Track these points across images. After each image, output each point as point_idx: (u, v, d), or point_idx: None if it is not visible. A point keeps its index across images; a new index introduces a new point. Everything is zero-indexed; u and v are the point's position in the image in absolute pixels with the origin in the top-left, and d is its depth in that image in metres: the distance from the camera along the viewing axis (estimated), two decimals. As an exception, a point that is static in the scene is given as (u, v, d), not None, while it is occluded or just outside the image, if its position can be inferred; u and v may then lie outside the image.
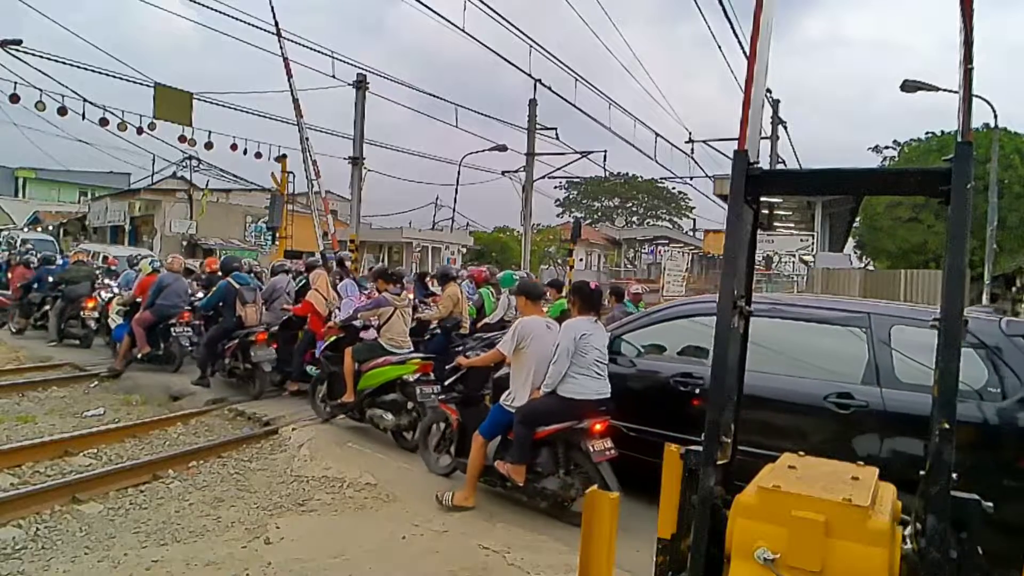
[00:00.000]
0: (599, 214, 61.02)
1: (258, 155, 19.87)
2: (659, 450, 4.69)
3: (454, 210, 33.01)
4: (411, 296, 7.78)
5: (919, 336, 4.22)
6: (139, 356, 9.01)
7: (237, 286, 8.38)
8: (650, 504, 2.76)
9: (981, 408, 3.99)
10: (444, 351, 7.46)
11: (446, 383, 5.68)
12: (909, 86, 16.63)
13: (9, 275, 12.86)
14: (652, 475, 5.05)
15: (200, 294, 9.92)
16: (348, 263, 10.88)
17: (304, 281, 9.29)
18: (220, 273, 9.14)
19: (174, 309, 9.02)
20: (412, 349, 6.78)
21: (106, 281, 11.74)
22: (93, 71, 15.17)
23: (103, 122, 16.37)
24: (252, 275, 9.37)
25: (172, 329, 9.05)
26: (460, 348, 7.45)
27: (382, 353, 6.52)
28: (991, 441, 3.94)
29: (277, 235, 20.97)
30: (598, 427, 4.63)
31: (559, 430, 4.70)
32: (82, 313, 10.96)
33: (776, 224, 25.31)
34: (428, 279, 10.78)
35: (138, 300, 9.39)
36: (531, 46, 17.02)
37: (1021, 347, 4.11)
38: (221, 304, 8.49)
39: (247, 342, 8.07)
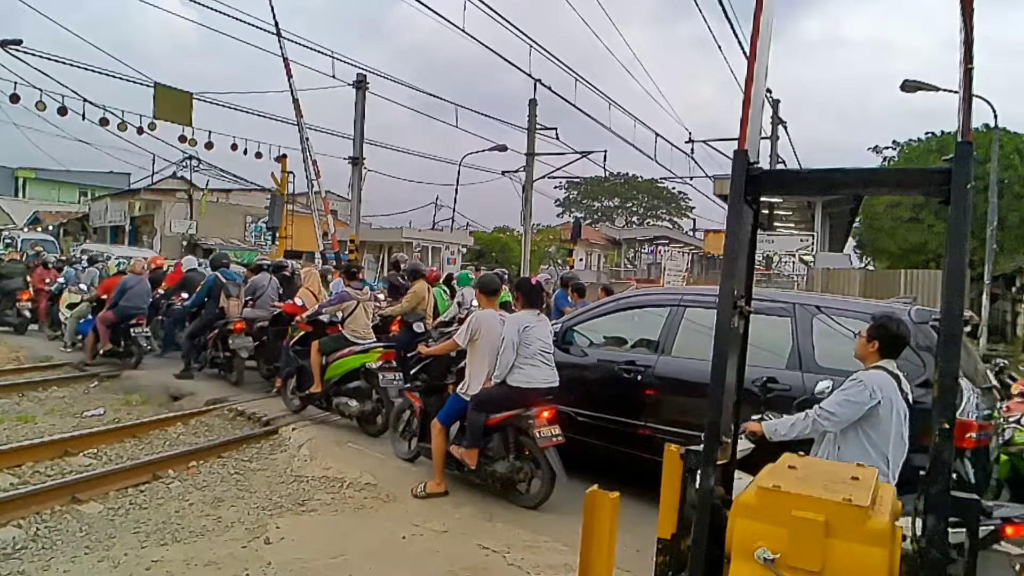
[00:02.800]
0: (599, 214, 61.01)
1: (258, 155, 19.86)
2: (606, 435, 4.63)
3: (454, 210, 33.03)
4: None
5: (838, 325, 4.59)
6: (101, 352, 9.43)
7: (224, 280, 8.90)
8: (650, 504, 2.76)
9: None
10: (408, 345, 7.52)
11: (411, 372, 5.93)
12: (909, 86, 16.61)
13: (28, 277, 13.02)
14: (600, 458, 5.33)
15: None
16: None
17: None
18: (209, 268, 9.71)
19: (136, 310, 9.40)
20: (375, 340, 7.07)
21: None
22: (93, 71, 15.18)
23: (103, 122, 16.36)
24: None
25: (132, 329, 9.39)
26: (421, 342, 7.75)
27: (346, 344, 6.86)
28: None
29: (277, 235, 20.97)
30: (545, 414, 4.94)
31: (508, 417, 5.00)
32: (17, 304, 12.53)
33: (776, 224, 25.31)
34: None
35: (103, 298, 9.78)
36: (531, 46, 17.00)
37: (926, 333, 4.35)
38: (207, 298, 8.94)
39: (226, 331, 8.49)
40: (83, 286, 11.24)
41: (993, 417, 4.56)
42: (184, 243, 29.15)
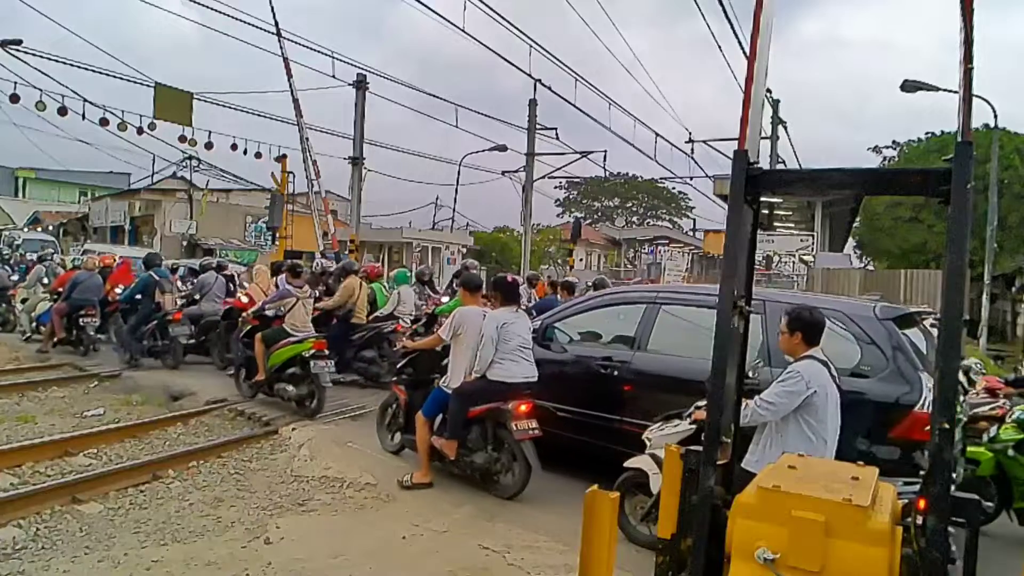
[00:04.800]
0: (599, 214, 61.00)
1: (258, 155, 19.85)
2: (584, 429, 5.01)
3: (454, 210, 32.98)
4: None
5: None
6: (55, 341, 10.38)
7: (157, 278, 9.92)
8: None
9: (855, 384, 4.24)
10: (342, 338, 8.69)
11: (398, 367, 6.17)
12: (909, 86, 16.60)
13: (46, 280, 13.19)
14: (575, 451, 5.46)
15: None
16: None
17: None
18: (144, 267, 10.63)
19: (86, 302, 10.25)
20: (311, 332, 7.67)
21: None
22: (93, 71, 15.14)
23: (103, 122, 16.33)
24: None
25: (81, 320, 10.24)
26: (356, 336, 8.97)
27: (286, 336, 7.52)
28: (863, 413, 4.20)
29: (277, 235, 20.94)
30: (523, 408, 5.11)
31: (487, 410, 5.18)
32: None
33: (776, 224, 25.28)
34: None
35: (59, 291, 10.66)
36: (531, 46, 16.93)
37: (890, 329, 4.48)
38: (140, 295, 9.88)
39: (165, 322, 9.57)
40: (44, 280, 12.03)
41: (957, 411, 4.59)
42: (184, 243, 29.15)
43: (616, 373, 5.37)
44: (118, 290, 10.56)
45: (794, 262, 23.81)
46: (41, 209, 38.54)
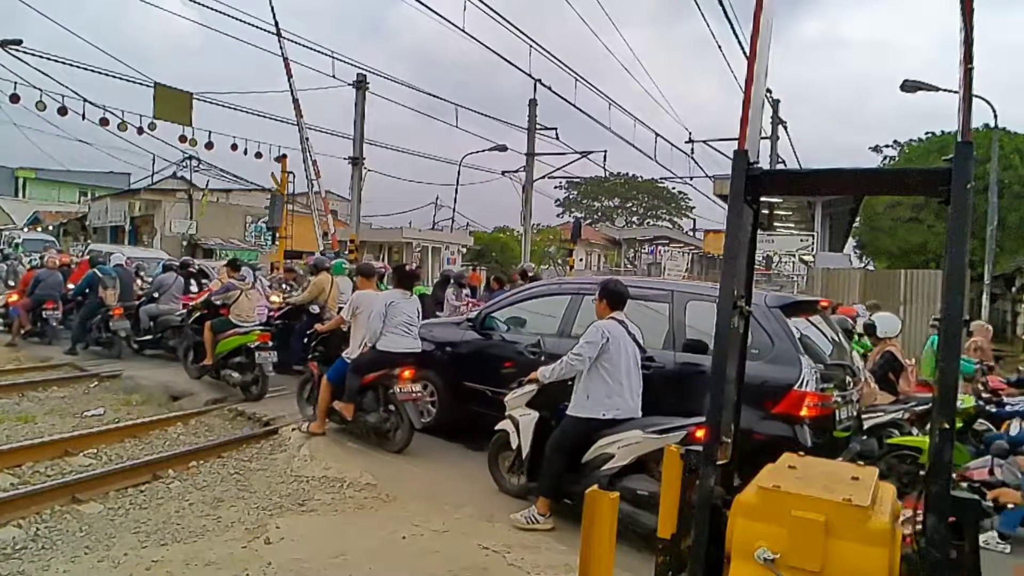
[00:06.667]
0: (599, 214, 60.98)
1: (258, 155, 19.83)
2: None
3: (454, 210, 32.96)
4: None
5: (707, 310, 5.23)
6: (23, 332, 11.38)
7: (101, 275, 10.75)
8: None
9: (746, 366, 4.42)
10: (308, 326, 8.89)
11: (312, 346, 7.01)
12: (909, 86, 16.58)
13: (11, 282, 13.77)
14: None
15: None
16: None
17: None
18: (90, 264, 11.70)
19: (48, 296, 11.33)
20: (256, 323, 8.46)
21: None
22: (93, 71, 15.13)
23: (103, 122, 16.32)
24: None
25: (43, 313, 11.28)
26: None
27: (232, 326, 8.21)
28: (751, 392, 4.37)
29: (277, 235, 20.93)
30: (406, 374, 6.08)
31: (378, 376, 6.13)
32: None
33: (776, 224, 25.30)
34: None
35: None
36: (531, 46, 16.95)
37: (777, 316, 5.02)
38: (88, 290, 10.80)
39: (107, 316, 10.33)
40: (10, 283, 13.22)
41: (843, 391, 5.14)
42: (184, 243, 29.13)
43: (543, 358, 5.65)
44: (70, 286, 11.79)
45: (794, 262, 23.78)
46: (41, 209, 38.55)
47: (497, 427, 5.24)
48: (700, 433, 4.05)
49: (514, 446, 5.06)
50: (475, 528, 4.57)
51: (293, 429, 6.49)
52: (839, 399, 4.99)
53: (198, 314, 8.90)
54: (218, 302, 8.66)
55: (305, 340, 7.30)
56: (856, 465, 2.22)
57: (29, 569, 3.77)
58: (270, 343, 7.99)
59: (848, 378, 5.48)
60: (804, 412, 4.70)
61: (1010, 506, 3.88)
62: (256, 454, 6.10)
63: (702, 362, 5.00)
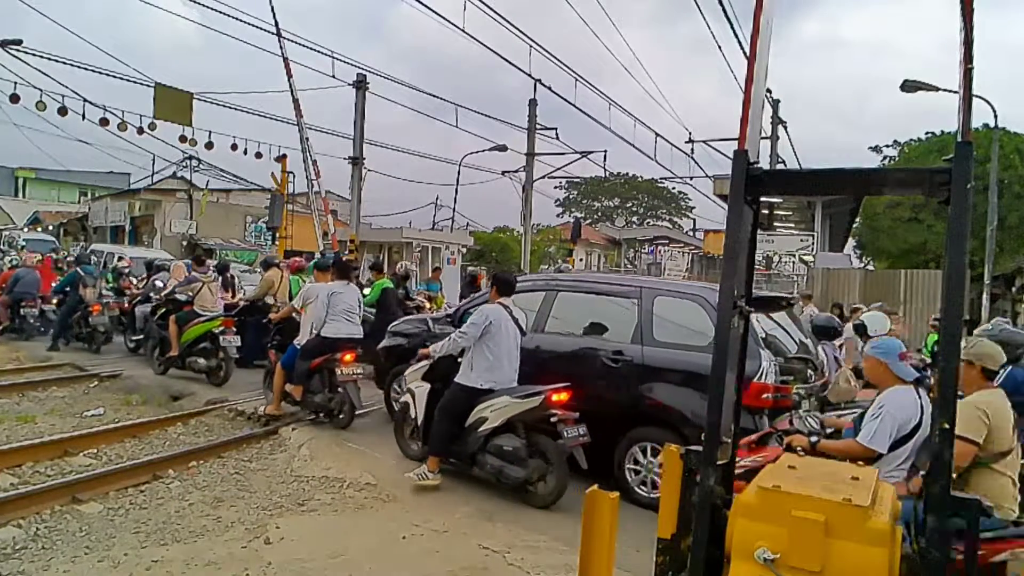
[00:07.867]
0: (599, 214, 60.91)
1: (258, 155, 19.81)
2: None
3: (454, 210, 32.94)
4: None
5: (674, 305, 5.75)
6: (1, 328, 11.86)
7: (83, 274, 11.20)
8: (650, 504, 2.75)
9: (709, 357, 4.59)
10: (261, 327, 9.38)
11: (271, 335, 7.73)
12: (909, 86, 16.57)
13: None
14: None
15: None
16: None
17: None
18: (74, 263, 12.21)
19: (26, 295, 11.88)
20: (218, 312, 8.94)
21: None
22: (93, 71, 15.08)
23: (103, 122, 16.30)
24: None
25: (22, 310, 11.84)
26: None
27: (196, 316, 8.78)
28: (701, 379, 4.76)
29: (277, 235, 20.94)
30: (347, 357, 6.65)
31: (323, 360, 6.70)
32: None
33: (776, 224, 25.25)
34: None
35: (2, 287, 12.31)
36: (531, 46, 16.90)
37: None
38: (69, 288, 11.20)
39: (87, 312, 10.87)
40: None
41: (804, 383, 5.48)
42: (184, 243, 29.12)
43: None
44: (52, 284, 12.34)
45: (794, 262, 23.79)
46: (41, 209, 38.50)
47: (399, 399, 5.98)
48: (555, 397, 4.97)
49: (412, 415, 5.64)
50: (475, 528, 4.57)
51: (293, 429, 6.61)
52: (801, 391, 5.24)
53: (163, 310, 9.30)
54: (182, 297, 9.08)
55: (265, 327, 7.92)
56: (856, 465, 2.22)
57: (29, 569, 3.77)
58: (234, 328, 8.60)
59: (810, 372, 5.77)
60: (761, 403, 4.97)
61: (799, 450, 4.17)
62: (256, 454, 6.10)
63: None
